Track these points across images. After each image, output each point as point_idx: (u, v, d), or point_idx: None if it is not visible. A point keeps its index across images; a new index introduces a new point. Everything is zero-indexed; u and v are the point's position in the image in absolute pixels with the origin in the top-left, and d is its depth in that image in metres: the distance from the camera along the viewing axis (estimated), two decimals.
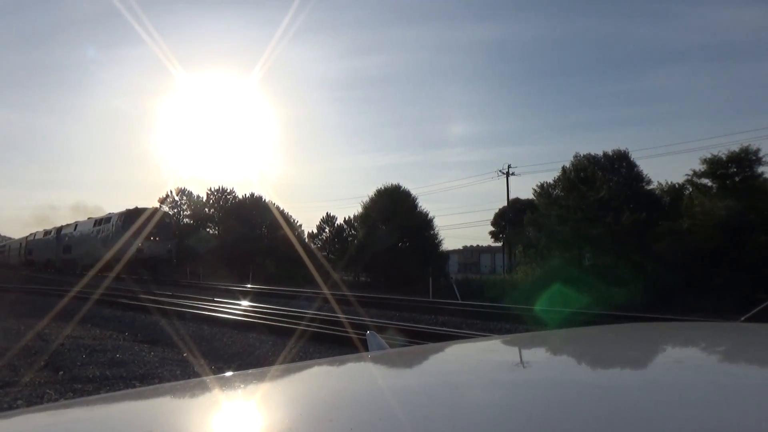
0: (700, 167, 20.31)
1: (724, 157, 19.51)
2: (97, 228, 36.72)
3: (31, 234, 53.92)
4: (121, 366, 7.03)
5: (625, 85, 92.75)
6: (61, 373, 6.63)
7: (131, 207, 35.39)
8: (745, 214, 17.34)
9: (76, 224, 41.73)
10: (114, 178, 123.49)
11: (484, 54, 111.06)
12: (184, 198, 55.59)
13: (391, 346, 1.63)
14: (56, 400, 5.32)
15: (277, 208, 40.62)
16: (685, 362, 1.18)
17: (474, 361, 1.33)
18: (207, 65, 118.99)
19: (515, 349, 1.46)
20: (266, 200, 42.47)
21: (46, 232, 48.37)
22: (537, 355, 1.40)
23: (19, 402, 5.18)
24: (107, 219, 36.29)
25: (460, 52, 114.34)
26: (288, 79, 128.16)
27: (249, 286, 24.48)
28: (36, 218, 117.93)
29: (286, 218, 39.99)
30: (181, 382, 1.15)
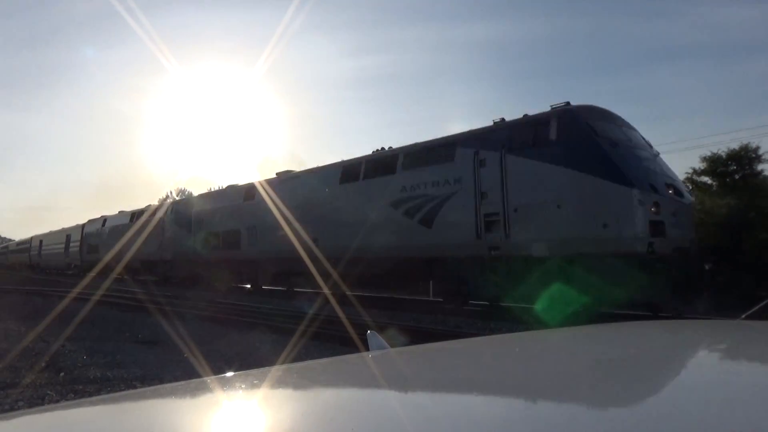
0: (699, 165, 20.29)
1: (723, 155, 19.52)
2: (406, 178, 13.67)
3: (96, 219, 33.11)
4: (121, 367, 7.04)
5: (625, 83, 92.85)
6: (62, 374, 6.63)
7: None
8: (745, 212, 17.33)
9: (257, 184, 18.69)
10: (113, 178, 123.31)
11: (485, 53, 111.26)
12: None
13: (392, 345, 1.63)
14: (57, 401, 5.32)
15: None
16: (685, 361, 1.18)
17: (475, 359, 1.33)
18: (206, 64, 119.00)
19: (517, 348, 1.46)
20: None
21: (135, 214, 27.00)
22: (539, 353, 1.40)
23: (20, 403, 5.18)
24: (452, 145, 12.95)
25: (462, 51, 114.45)
26: (288, 79, 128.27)
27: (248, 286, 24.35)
28: (33, 219, 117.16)
29: None
30: (182, 382, 1.15)
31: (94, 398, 1.20)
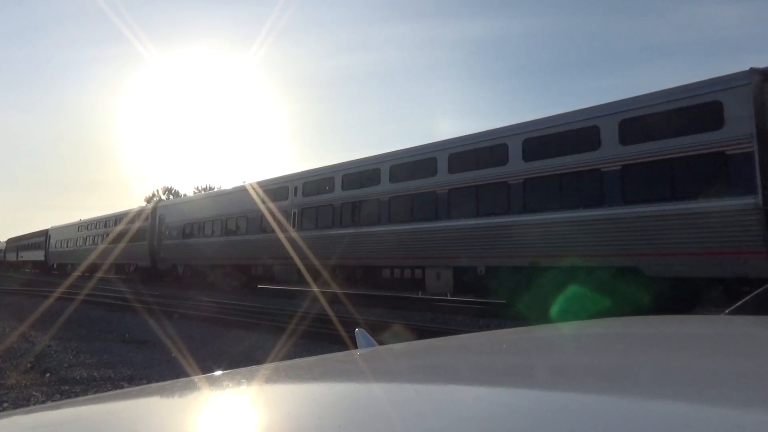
0: None
1: None
2: None
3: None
4: (108, 367, 6.98)
5: (613, 80, 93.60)
6: (48, 374, 6.57)
7: None
8: None
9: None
10: (96, 177, 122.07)
11: (474, 50, 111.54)
12: (171, 196, 55.78)
13: (381, 343, 1.63)
14: (43, 402, 5.27)
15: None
16: (668, 356, 1.20)
17: (463, 356, 1.34)
18: (191, 61, 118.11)
19: (506, 344, 1.47)
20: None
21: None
22: (525, 349, 1.41)
23: (6, 405, 5.12)
24: None
25: (451, 48, 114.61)
26: (276, 77, 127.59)
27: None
28: (17, 219, 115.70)
29: None
30: (169, 382, 1.15)
31: (79, 398, 1.19)
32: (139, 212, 28.30)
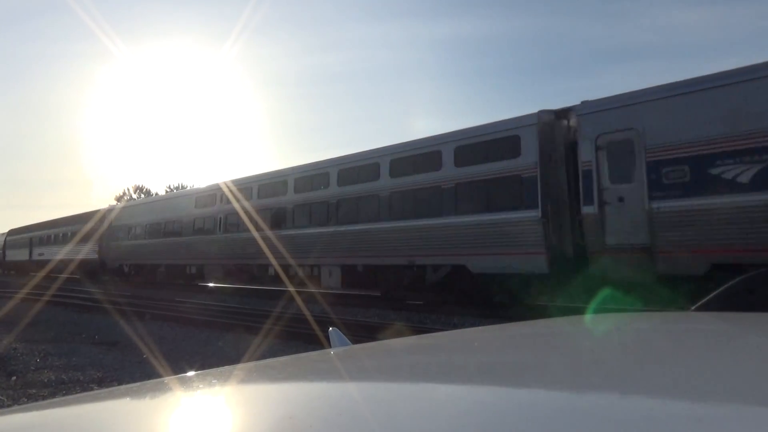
0: None
1: None
2: None
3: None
4: (77, 370, 6.83)
5: (581, 82, 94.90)
6: (14, 378, 6.40)
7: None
8: None
9: None
10: (63, 176, 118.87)
11: (447, 51, 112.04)
12: (142, 195, 55.00)
13: (354, 342, 1.63)
14: (9, 406, 5.13)
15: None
16: (633, 352, 1.22)
17: (436, 354, 1.34)
18: (162, 58, 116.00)
19: (478, 342, 1.48)
20: None
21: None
22: (497, 346, 1.42)
23: None
24: None
25: (426, 48, 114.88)
26: (251, 74, 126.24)
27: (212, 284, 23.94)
28: None
29: None
30: (139, 383, 1.13)
31: (45, 402, 1.17)
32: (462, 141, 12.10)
